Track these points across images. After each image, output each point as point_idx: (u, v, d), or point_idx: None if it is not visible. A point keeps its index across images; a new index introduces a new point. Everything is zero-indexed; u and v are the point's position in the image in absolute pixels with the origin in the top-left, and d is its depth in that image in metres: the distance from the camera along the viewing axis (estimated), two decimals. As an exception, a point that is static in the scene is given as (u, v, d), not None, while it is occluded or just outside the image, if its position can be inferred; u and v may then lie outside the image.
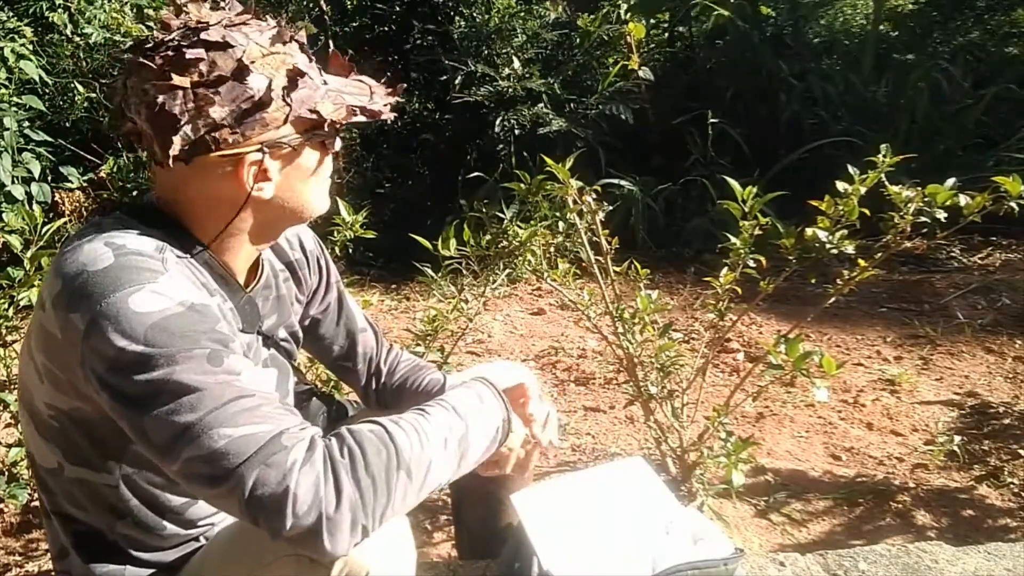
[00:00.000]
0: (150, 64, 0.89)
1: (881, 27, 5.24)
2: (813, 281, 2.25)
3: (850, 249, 1.63)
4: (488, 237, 1.94)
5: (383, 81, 1.06)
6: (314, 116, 0.95)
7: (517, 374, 1.47)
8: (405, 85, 1.07)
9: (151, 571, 1.06)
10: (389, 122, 1.03)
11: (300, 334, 1.26)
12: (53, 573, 1.10)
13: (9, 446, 1.90)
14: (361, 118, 0.99)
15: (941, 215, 1.59)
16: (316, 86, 0.96)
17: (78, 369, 0.87)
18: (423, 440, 0.89)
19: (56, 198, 3.89)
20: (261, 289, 1.12)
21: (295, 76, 0.93)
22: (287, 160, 0.97)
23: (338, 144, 1.01)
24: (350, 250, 2.05)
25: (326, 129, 0.97)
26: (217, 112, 0.89)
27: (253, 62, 0.91)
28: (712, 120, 4.40)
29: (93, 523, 1.03)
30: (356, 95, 1.00)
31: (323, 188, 1.04)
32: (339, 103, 0.97)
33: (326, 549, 0.80)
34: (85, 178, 4.13)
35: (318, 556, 0.82)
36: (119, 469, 0.98)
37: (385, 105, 1.00)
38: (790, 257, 1.72)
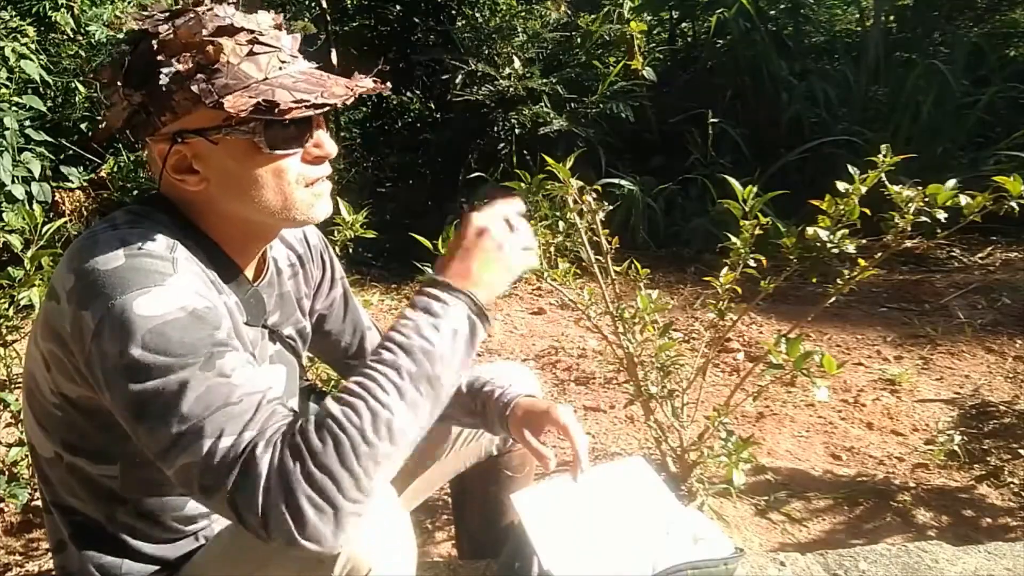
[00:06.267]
0: None
1: (882, 25, 5.23)
2: (814, 281, 2.24)
3: (851, 248, 1.63)
4: (488, 237, 1.94)
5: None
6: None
7: (520, 375, 1.47)
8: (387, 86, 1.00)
9: (150, 568, 1.06)
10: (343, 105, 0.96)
11: (308, 331, 1.26)
12: (53, 572, 1.10)
13: (9, 446, 1.90)
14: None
15: (941, 215, 1.59)
16: None
17: (83, 366, 0.89)
18: (377, 415, 0.84)
19: (56, 198, 3.90)
20: (266, 286, 1.12)
21: None
22: None
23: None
24: (350, 250, 2.05)
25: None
26: None
27: None
28: (712, 120, 4.39)
29: (92, 513, 1.03)
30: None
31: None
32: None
33: (315, 550, 0.81)
34: (85, 178, 4.13)
35: (315, 554, 0.83)
36: (119, 460, 0.99)
37: (343, 90, 0.93)
38: (790, 257, 1.72)
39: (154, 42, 0.91)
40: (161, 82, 0.89)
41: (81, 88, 4.25)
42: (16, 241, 1.84)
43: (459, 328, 0.91)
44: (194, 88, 0.89)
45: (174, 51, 0.90)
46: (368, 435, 0.82)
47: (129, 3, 4.53)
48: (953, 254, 3.93)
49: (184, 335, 0.85)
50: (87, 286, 0.87)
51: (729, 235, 1.83)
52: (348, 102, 0.94)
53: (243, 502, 0.81)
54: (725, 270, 1.82)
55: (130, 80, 0.92)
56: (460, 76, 4.36)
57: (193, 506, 1.06)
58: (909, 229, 1.64)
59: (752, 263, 1.79)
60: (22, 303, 1.81)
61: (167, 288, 0.88)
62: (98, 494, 1.02)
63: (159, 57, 0.90)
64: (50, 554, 1.11)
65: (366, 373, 0.87)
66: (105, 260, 0.88)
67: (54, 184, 3.90)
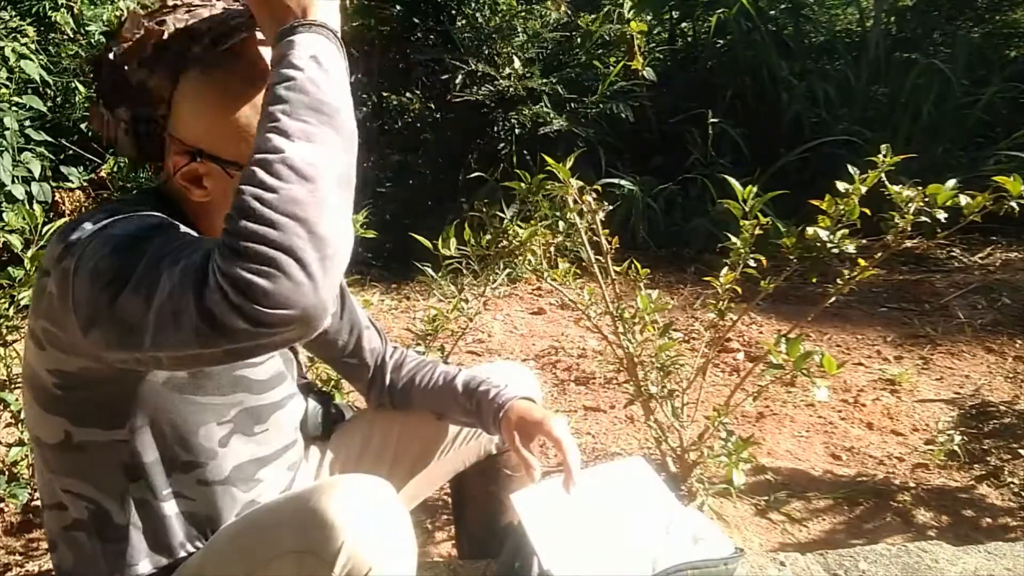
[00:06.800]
0: None
1: (882, 25, 5.24)
2: (814, 281, 2.24)
3: (851, 248, 1.63)
4: (488, 237, 1.94)
5: None
6: None
7: (519, 375, 1.47)
8: None
9: (147, 567, 1.05)
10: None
11: None
12: (53, 572, 1.10)
13: (9, 446, 1.90)
14: None
15: (941, 215, 1.60)
16: None
17: (72, 316, 0.88)
18: (267, 162, 0.79)
19: (56, 198, 3.89)
20: None
21: None
22: None
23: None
24: (350, 249, 2.05)
25: None
26: None
27: None
28: (712, 120, 4.40)
29: (100, 500, 1.03)
30: None
31: None
32: None
33: (292, 314, 0.76)
34: (85, 178, 4.13)
35: (300, 320, 0.77)
36: (128, 422, 1.00)
37: None
38: (791, 257, 1.72)
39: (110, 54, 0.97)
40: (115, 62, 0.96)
41: (81, 88, 4.25)
42: (16, 241, 1.84)
43: (316, 52, 0.85)
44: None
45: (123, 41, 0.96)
46: (267, 182, 0.77)
47: (129, 3, 4.53)
48: (953, 254, 3.93)
49: (148, 230, 0.89)
50: (70, 242, 0.90)
51: (729, 235, 1.83)
52: None
53: (212, 309, 0.75)
54: (725, 270, 1.82)
55: (108, 100, 0.98)
56: (460, 76, 4.35)
57: (200, 473, 1.06)
58: (909, 229, 1.64)
59: (752, 263, 1.79)
60: (22, 303, 1.81)
61: (140, 213, 0.92)
62: (112, 466, 1.01)
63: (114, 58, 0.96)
64: (49, 553, 1.11)
65: (268, 149, 0.81)
66: (91, 224, 0.91)
67: (54, 184, 3.90)
